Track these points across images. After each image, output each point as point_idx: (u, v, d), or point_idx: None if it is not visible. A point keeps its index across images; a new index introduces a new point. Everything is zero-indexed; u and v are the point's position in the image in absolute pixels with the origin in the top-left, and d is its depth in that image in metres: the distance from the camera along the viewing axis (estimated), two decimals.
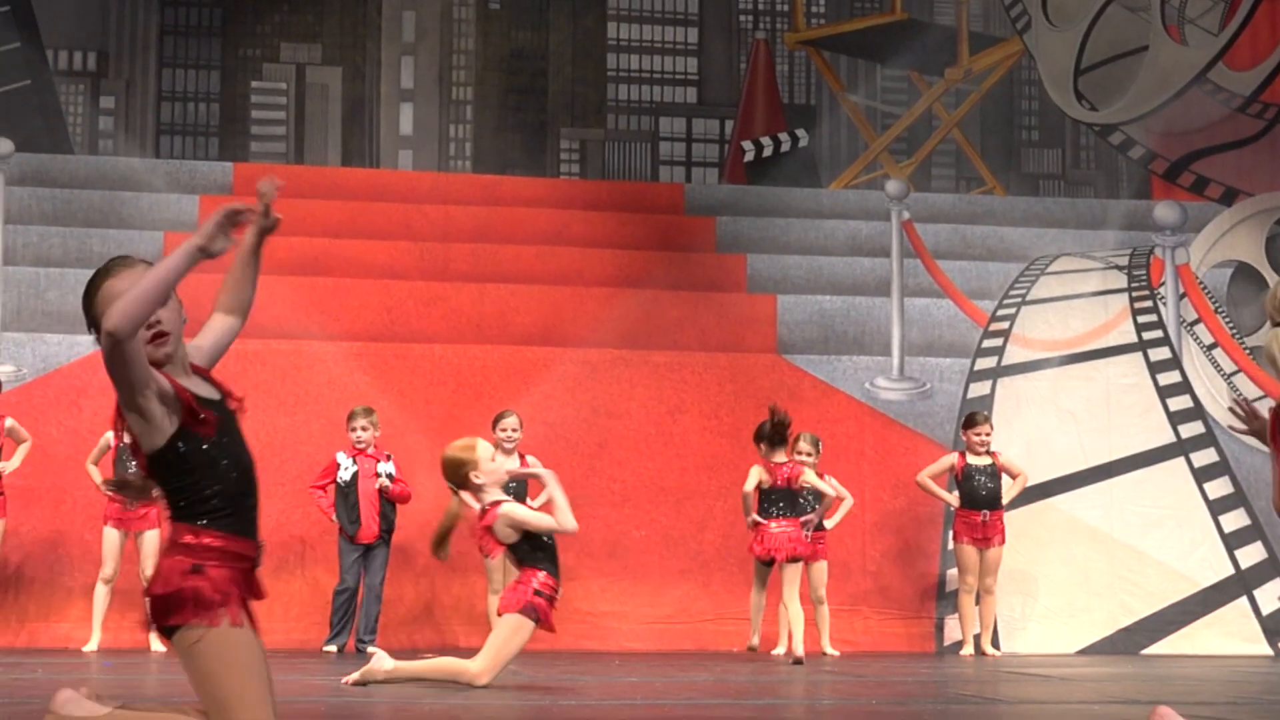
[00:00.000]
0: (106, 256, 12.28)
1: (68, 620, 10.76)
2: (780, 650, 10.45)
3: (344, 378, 11.53)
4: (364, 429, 10.62)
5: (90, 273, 3.36)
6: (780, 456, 10.06)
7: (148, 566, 10.34)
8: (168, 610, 3.53)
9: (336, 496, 10.60)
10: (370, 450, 10.65)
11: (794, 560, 9.89)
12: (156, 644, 10.33)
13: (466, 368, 11.74)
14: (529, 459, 10.81)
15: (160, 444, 3.60)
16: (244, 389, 12.37)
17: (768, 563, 10.08)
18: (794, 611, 9.75)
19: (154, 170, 11.76)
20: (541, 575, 7.00)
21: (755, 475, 10.03)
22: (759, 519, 9.97)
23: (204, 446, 3.63)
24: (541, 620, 6.94)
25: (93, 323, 3.68)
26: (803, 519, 10.11)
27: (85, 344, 11.29)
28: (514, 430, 10.63)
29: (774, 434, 10.08)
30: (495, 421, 10.75)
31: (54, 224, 11.51)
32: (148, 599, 3.58)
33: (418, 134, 12.27)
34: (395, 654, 7.14)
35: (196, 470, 3.61)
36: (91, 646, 10.21)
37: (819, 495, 10.36)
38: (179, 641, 3.53)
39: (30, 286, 11.36)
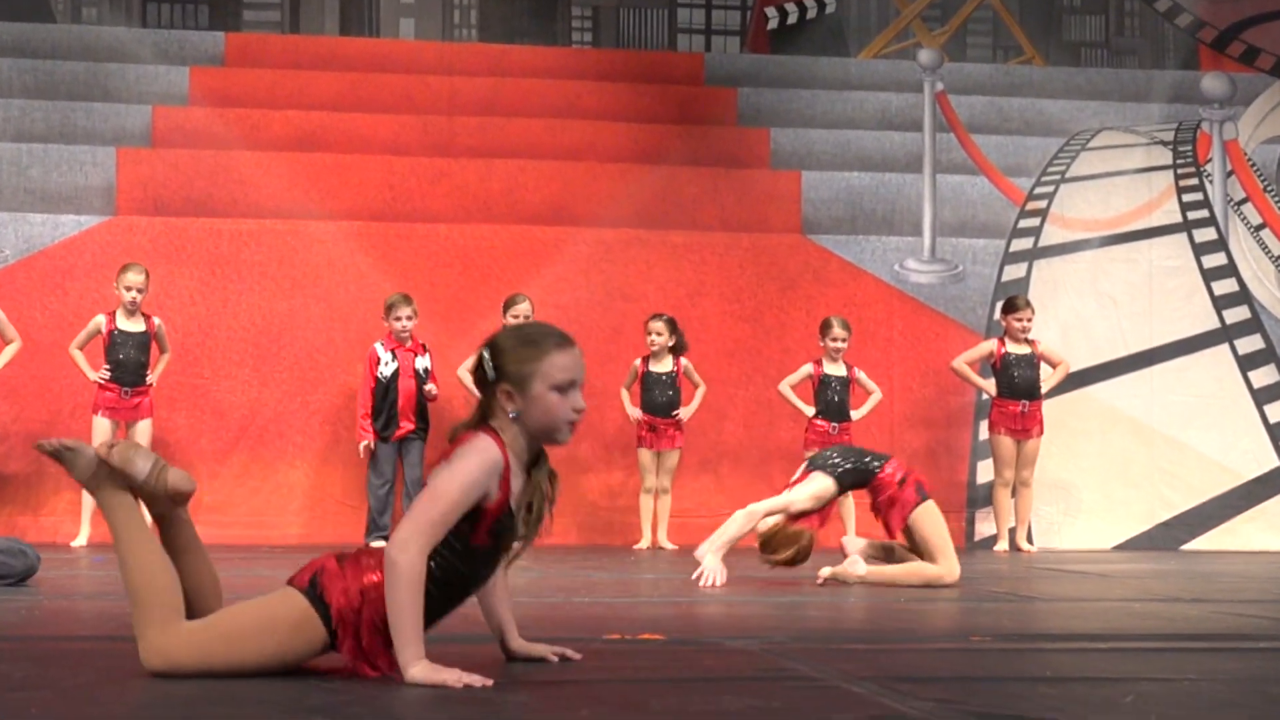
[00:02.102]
0: (92, 131, 12.19)
1: (55, 514, 10.78)
2: (644, 543, 11.01)
3: (343, 259, 11.47)
4: (408, 319, 10.52)
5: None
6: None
7: None
8: (312, 583, 3.54)
9: (375, 395, 10.52)
10: (409, 344, 10.61)
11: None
12: None
13: (473, 248, 11.66)
14: None
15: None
16: (239, 270, 12.31)
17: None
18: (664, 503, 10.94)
19: (141, 41, 11.62)
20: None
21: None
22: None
23: (473, 547, 3.57)
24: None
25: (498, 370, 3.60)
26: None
27: (69, 224, 11.23)
28: (527, 316, 10.59)
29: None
30: (506, 306, 10.70)
31: (36, 97, 11.40)
32: (318, 564, 3.59)
33: (420, 0, 12.11)
34: None
35: (449, 552, 3.54)
36: (80, 541, 10.23)
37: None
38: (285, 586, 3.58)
39: (12, 163, 11.27)
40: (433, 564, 3.50)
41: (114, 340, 10.28)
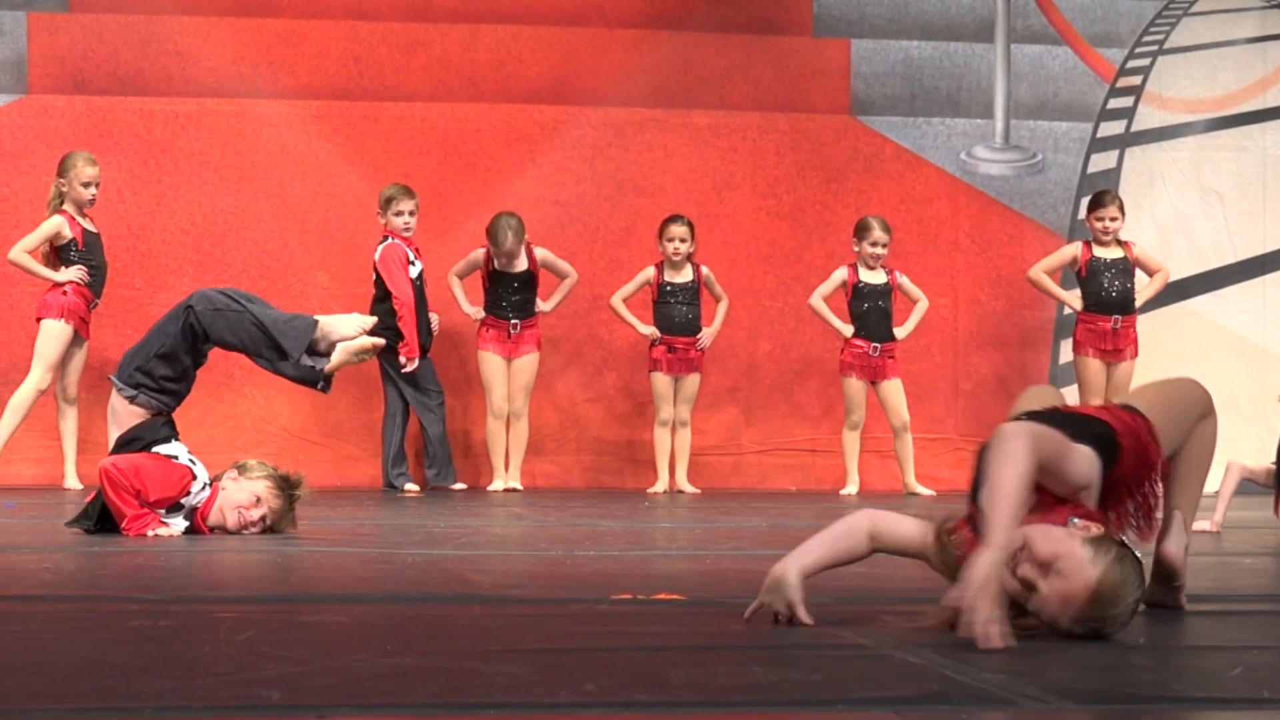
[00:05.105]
0: None
1: None
2: (660, 486, 11.02)
3: (300, 145, 11.45)
4: (411, 214, 10.54)
5: None
6: None
7: (70, 386, 10.26)
8: None
9: (416, 306, 10.56)
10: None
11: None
12: (73, 480, 10.30)
13: (455, 132, 11.64)
14: (536, 251, 10.76)
15: None
16: (175, 160, 12.25)
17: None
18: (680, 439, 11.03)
19: None
20: None
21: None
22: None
23: None
24: None
25: None
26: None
27: None
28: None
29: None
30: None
31: None
32: None
33: None
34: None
35: None
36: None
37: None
38: None
39: None
40: None
41: (87, 243, 10.17)
